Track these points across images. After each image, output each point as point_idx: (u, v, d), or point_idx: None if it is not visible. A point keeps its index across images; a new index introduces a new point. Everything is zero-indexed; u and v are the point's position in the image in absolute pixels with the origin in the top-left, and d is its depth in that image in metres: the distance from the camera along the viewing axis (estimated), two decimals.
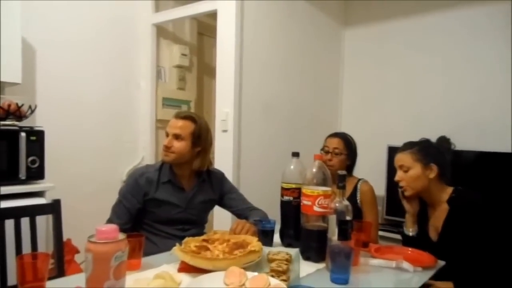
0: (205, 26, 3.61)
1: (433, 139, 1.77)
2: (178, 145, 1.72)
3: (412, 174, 1.64)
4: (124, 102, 3.05)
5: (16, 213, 1.48)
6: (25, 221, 1.50)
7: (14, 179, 2.00)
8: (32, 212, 1.53)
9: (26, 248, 1.47)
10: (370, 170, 2.66)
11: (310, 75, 3.29)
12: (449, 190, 1.66)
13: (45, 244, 1.90)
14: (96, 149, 2.86)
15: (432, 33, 3.16)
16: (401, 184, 1.68)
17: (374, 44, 3.49)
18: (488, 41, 2.90)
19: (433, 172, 1.63)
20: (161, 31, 3.23)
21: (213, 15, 2.72)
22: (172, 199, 1.74)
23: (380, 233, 2.92)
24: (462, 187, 1.68)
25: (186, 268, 1.18)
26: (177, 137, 1.72)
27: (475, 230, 1.49)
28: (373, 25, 3.49)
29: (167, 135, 1.75)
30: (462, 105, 3.01)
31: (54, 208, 1.57)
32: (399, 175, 1.68)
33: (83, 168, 2.78)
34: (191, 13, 2.92)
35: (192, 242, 1.29)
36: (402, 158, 1.67)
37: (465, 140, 2.71)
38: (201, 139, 1.76)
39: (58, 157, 2.43)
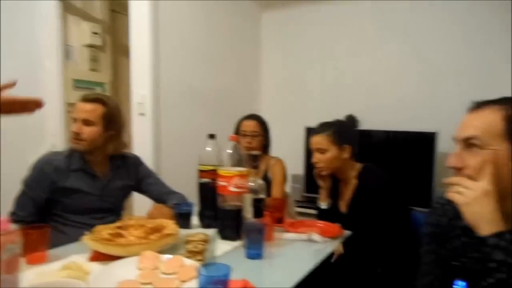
0: (118, 3, 3.39)
1: (342, 117, 1.90)
2: (88, 130, 1.63)
3: (328, 156, 1.75)
4: (27, 84, 2.77)
5: None
6: None
7: None
8: None
9: None
10: (289, 150, 2.78)
11: (231, 57, 3.29)
12: (358, 166, 1.81)
13: None
14: None
15: (344, 16, 3.31)
16: (318, 165, 1.78)
17: (291, 27, 3.58)
18: (393, 26, 3.14)
19: (347, 153, 1.76)
20: (68, 7, 2.96)
21: None
22: (84, 187, 1.65)
23: (301, 209, 3.09)
24: (370, 164, 1.83)
25: (98, 257, 1.13)
26: (86, 122, 1.63)
27: (375, 203, 1.64)
28: (290, 9, 3.57)
29: (75, 120, 1.64)
30: (372, 86, 3.24)
31: None
32: (316, 157, 1.78)
33: None
34: None
35: (105, 230, 1.24)
36: (319, 141, 1.77)
37: (375, 120, 2.96)
38: (113, 121, 1.68)
39: None
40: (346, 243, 1.51)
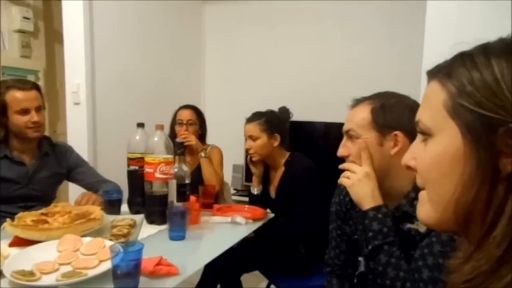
0: None
1: (276, 109, 2.02)
2: (42, 117, 1.66)
3: (259, 143, 1.86)
4: None
5: None
6: None
7: None
8: None
9: None
10: (230, 140, 2.86)
11: (169, 48, 3.27)
12: (287, 154, 1.93)
13: None
14: None
15: (285, 11, 3.42)
16: (250, 152, 1.90)
17: (232, 20, 3.63)
18: (331, 22, 3.30)
19: (276, 141, 1.87)
20: None
21: None
22: (9, 175, 1.63)
23: (240, 198, 3.20)
24: (298, 152, 1.97)
25: (19, 242, 1.15)
26: (38, 109, 1.64)
27: (296, 187, 1.77)
28: (230, 2, 3.64)
29: (25, 112, 1.61)
30: (304, 81, 3.40)
31: None
32: (248, 143, 1.90)
33: None
34: None
35: (28, 217, 1.25)
36: (251, 129, 1.89)
37: (306, 112, 3.12)
38: (44, 104, 1.71)
39: None
40: (269, 225, 1.63)
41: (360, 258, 1.25)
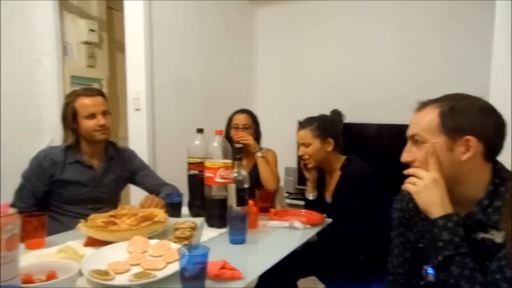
0: (114, 0, 3.47)
1: (329, 111, 2.00)
2: (108, 121, 1.76)
3: (312, 149, 1.85)
4: (26, 81, 2.86)
5: None
6: None
7: None
8: None
9: None
10: (282, 144, 2.86)
11: (224, 52, 3.36)
12: (342, 158, 1.90)
13: None
14: None
15: (336, 12, 3.38)
16: (304, 158, 1.89)
17: (284, 21, 3.64)
18: (383, 22, 3.21)
19: (330, 145, 1.85)
20: (65, 5, 3.04)
21: None
22: (80, 179, 1.74)
23: (293, 201, 3.19)
24: (354, 156, 1.92)
25: (92, 242, 1.23)
26: (104, 113, 1.74)
27: (354, 192, 1.73)
28: (284, 4, 3.64)
29: (92, 116, 1.72)
30: (364, 80, 3.32)
31: None
32: (301, 150, 1.89)
33: None
34: None
35: (99, 218, 1.33)
36: (303, 135, 1.87)
37: (358, 113, 3.05)
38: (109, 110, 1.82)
39: None
40: (326, 230, 1.61)
41: (426, 267, 1.20)
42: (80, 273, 0.94)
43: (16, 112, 2.82)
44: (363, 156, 1.91)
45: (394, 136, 3.05)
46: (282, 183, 3.13)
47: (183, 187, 1.88)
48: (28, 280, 0.85)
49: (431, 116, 0.99)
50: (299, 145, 1.90)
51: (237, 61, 3.56)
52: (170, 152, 2.75)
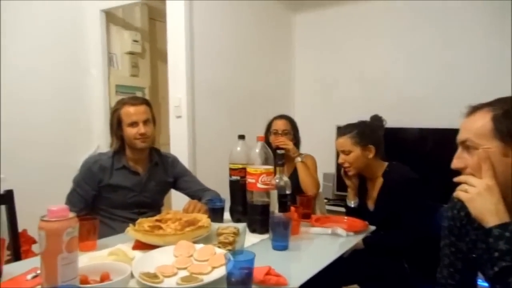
0: (156, 11, 3.60)
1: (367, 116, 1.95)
2: (149, 129, 1.81)
3: (353, 156, 1.81)
4: (76, 91, 3.03)
5: None
6: None
7: None
8: None
9: None
10: (320, 149, 2.83)
11: (262, 59, 3.39)
12: (385, 165, 1.85)
13: None
14: (48, 139, 2.84)
15: (376, 16, 3.34)
16: (344, 165, 1.85)
17: (322, 28, 3.63)
18: (424, 26, 3.12)
19: (371, 152, 1.80)
20: (111, 17, 3.19)
21: None
22: (126, 184, 1.81)
23: (331, 207, 3.15)
24: (396, 162, 1.87)
25: (139, 246, 1.27)
26: (146, 122, 1.80)
27: (399, 199, 1.68)
28: (321, 10, 3.63)
29: (134, 124, 1.78)
30: (401, 85, 3.24)
31: (7, 198, 1.60)
32: (341, 157, 1.85)
33: (36, 159, 2.75)
34: None
35: (145, 223, 1.38)
36: (343, 143, 1.84)
37: (398, 118, 2.97)
38: (154, 117, 1.86)
39: (11, 149, 2.40)
40: (370, 238, 1.57)
41: (479, 279, 1.14)
42: (131, 275, 0.98)
43: (68, 119, 2.99)
44: (403, 162, 1.85)
45: (437, 141, 2.95)
46: (320, 189, 3.10)
47: (222, 193, 1.91)
48: (84, 280, 0.89)
49: (484, 120, 0.95)
50: (339, 152, 1.87)
51: (275, 67, 3.58)
52: (209, 157, 2.81)
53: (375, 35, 3.35)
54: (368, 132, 1.82)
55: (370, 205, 1.88)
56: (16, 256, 1.57)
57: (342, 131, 1.86)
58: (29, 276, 1.00)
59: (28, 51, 2.72)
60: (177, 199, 2.45)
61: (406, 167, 1.81)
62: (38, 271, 1.03)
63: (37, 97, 2.77)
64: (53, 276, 0.78)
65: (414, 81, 3.19)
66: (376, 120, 1.92)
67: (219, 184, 2.00)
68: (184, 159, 2.48)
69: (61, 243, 0.78)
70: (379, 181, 1.83)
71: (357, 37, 3.44)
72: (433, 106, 3.07)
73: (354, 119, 1.92)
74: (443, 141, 3.00)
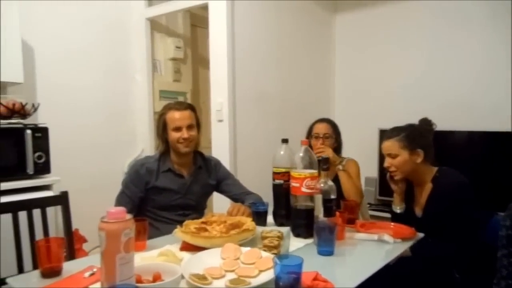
0: (198, 18, 3.69)
1: (416, 121, 1.89)
2: (193, 134, 1.85)
3: (399, 160, 1.74)
4: (122, 96, 3.15)
5: (29, 205, 1.59)
6: (35, 213, 1.61)
7: (22, 174, 2.11)
8: (43, 203, 1.65)
9: (39, 237, 1.58)
10: (362, 153, 2.78)
11: (302, 62, 3.38)
12: (434, 170, 1.78)
13: (55, 234, 2.02)
14: (96, 142, 2.97)
15: (419, 17, 3.24)
16: (390, 169, 1.79)
17: (363, 29, 3.57)
18: (472, 25, 2.99)
19: (419, 157, 1.74)
20: (155, 25, 3.30)
21: (206, 6, 2.79)
22: (172, 186, 1.86)
23: (374, 213, 3.08)
24: (446, 167, 1.79)
25: (187, 247, 1.31)
26: (189, 127, 1.84)
27: (450, 206, 1.61)
28: (362, 10, 3.57)
29: (178, 129, 1.82)
30: (447, 86, 3.12)
31: (62, 199, 1.69)
32: (388, 161, 1.79)
33: (85, 161, 2.89)
34: (183, 7, 2.99)
35: (191, 225, 1.41)
36: (389, 146, 1.77)
37: (451, 120, 2.85)
38: (199, 122, 1.90)
39: (60, 152, 2.53)
40: (419, 246, 1.51)
41: None
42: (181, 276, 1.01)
43: (115, 124, 3.12)
44: (451, 166, 1.78)
45: (487, 145, 2.81)
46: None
47: (264, 196, 1.92)
48: (138, 280, 0.93)
49: None
50: (385, 156, 1.81)
51: (315, 69, 3.56)
52: (250, 161, 2.83)
53: (417, 34, 3.25)
54: (417, 136, 1.76)
55: (418, 211, 1.82)
56: (70, 252, 1.65)
57: (389, 134, 1.80)
58: (86, 274, 1.06)
59: (78, 59, 2.86)
60: (218, 202, 2.49)
61: (457, 172, 1.73)
62: (94, 269, 1.08)
63: (87, 104, 2.91)
64: (112, 275, 0.82)
65: (461, 82, 3.05)
66: (426, 123, 1.85)
67: (259, 188, 2.01)
68: (225, 162, 2.51)
69: (120, 244, 0.82)
70: (428, 186, 1.77)
71: (398, 37, 3.35)
72: (482, 108, 2.93)
73: (398, 122, 1.86)
74: (494, 145, 2.90)
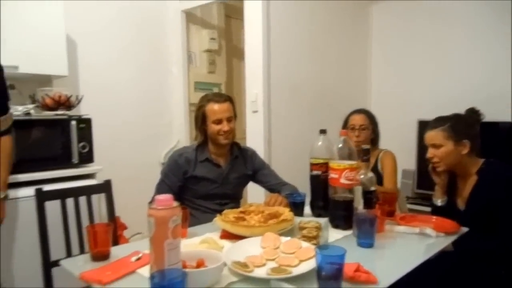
0: (233, 9, 3.69)
1: (462, 111, 1.81)
2: (232, 126, 1.88)
3: (444, 151, 1.67)
4: (159, 88, 3.23)
5: (76, 193, 1.68)
6: (80, 200, 1.69)
7: (67, 163, 2.21)
8: (89, 191, 1.73)
9: (85, 223, 1.66)
10: (400, 145, 2.71)
11: (338, 53, 3.33)
12: (480, 162, 1.70)
13: (98, 221, 2.11)
14: (135, 133, 3.06)
15: (459, 6, 3.10)
16: (433, 160, 1.72)
17: (401, 18, 3.46)
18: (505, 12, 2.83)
19: (465, 148, 1.66)
20: (190, 17, 3.34)
21: None
22: (209, 175, 1.90)
23: (412, 206, 3.00)
24: (494, 159, 1.72)
25: (226, 235, 1.33)
26: (229, 119, 1.87)
27: (497, 200, 1.55)
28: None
29: (219, 121, 1.84)
30: (491, 76, 2.98)
31: (107, 187, 1.76)
32: (431, 151, 1.71)
33: (124, 151, 2.99)
34: None
35: (230, 214, 1.43)
36: (433, 136, 1.70)
37: (497, 111, 2.72)
38: (235, 113, 1.93)
39: (102, 142, 2.62)
40: (462, 240, 1.47)
41: None
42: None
43: (152, 116, 3.20)
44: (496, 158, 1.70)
45: None
46: (399, 186, 2.97)
47: (298, 186, 1.92)
48: (183, 265, 0.96)
49: None
50: (428, 146, 1.75)
51: (351, 60, 3.50)
52: (285, 151, 2.83)
53: (456, 24, 3.11)
54: (463, 126, 1.68)
55: (461, 204, 1.75)
56: (114, 238, 1.72)
57: (433, 124, 1.73)
58: (133, 258, 1.10)
59: (118, 53, 2.95)
60: (252, 193, 2.51)
61: (506, 164, 1.66)
62: (140, 254, 1.13)
63: (126, 96, 3.01)
64: (161, 259, 0.85)
65: (503, 73, 2.90)
66: (473, 113, 1.77)
67: (294, 178, 2.01)
68: (260, 153, 2.52)
69: (167, 230, 0.85)
70: (473, 178, 1.69)
71: (437, 26, 3.22)
72: None
73: (438, 114, 1.79)
74: None
